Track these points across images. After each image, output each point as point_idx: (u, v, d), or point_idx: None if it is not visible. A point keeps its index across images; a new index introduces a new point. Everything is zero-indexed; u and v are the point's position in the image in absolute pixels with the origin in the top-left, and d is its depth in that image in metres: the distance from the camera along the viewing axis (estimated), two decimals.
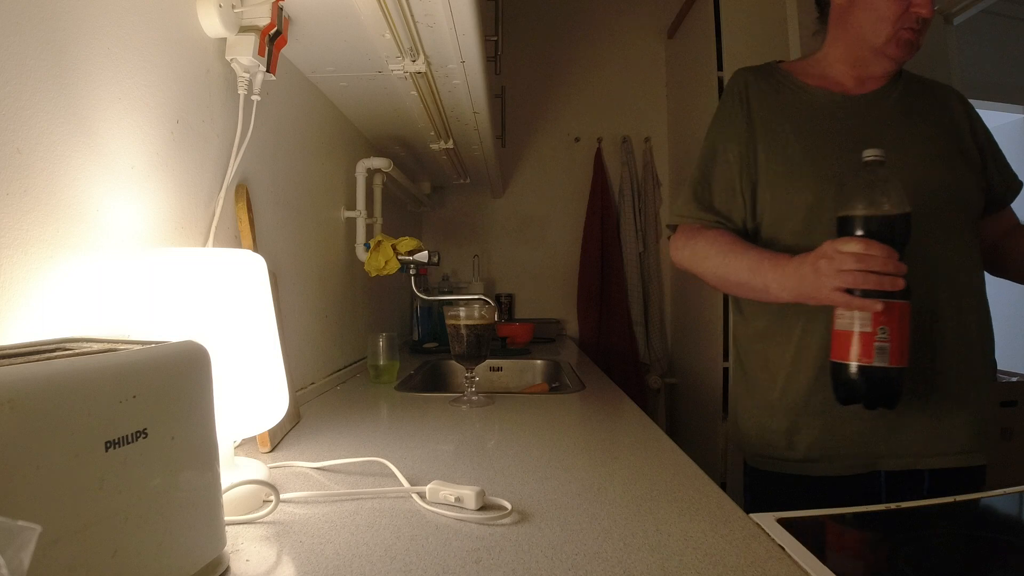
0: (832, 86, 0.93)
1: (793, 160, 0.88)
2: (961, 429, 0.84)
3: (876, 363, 0.69)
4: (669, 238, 1.01)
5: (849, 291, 0.70)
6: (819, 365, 0.84)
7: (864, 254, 0.69)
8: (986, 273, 0.92)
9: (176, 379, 0.39)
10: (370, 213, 1.48)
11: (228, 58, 0.78)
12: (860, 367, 0.70)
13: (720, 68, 1.90)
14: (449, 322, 1.12)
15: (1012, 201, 0.97)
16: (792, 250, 0.81)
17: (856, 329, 0.70)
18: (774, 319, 0.90)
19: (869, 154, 0.73)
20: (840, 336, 0.72)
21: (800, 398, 0.86)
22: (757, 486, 0.93)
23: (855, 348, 0.70)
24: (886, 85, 0.93)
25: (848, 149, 0.86)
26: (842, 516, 0.61)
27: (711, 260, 0.89)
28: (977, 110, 0.98)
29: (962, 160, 0.89)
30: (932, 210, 0.82)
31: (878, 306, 0.68)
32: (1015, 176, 0.97)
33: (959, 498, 0.65)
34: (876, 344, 0.69)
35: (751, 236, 0.93)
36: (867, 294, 0.69)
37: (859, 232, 0.71)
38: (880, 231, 0.70)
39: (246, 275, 0.60)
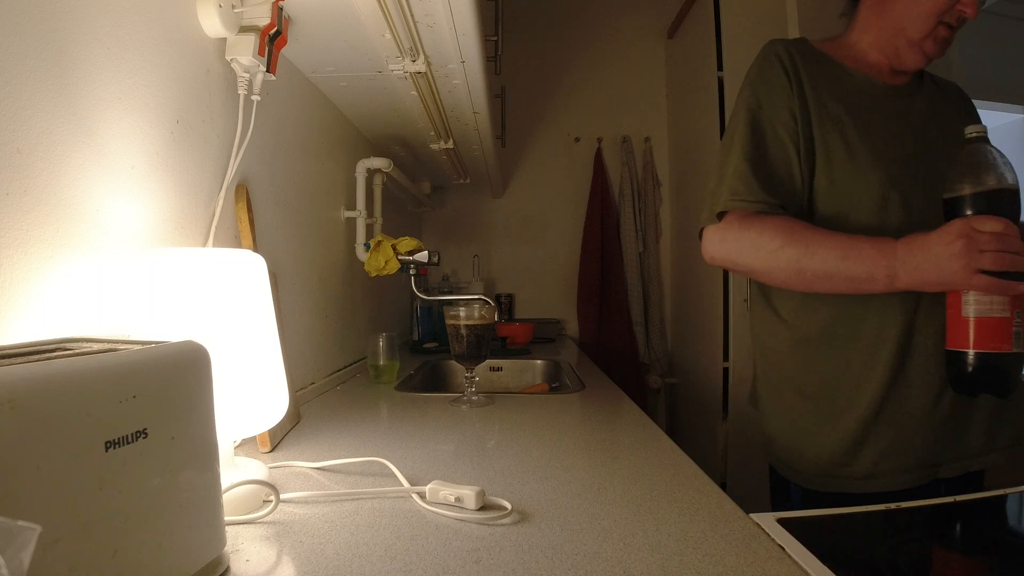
0: (872, 72, 0.88)
1: (852, 143, 0.81)
2: (1009, 422, 0.82)
3: (1015, 349, 0.66)
4: (702, 231, 0.86)
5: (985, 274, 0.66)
6: (894, 368, 0.78)
7: (1004, 233, 0.65)
8: None
9: (176, 379, 0.39)
10: (370, 213, 1.48)
11: (228, 58, 0.78)
12: (997, 355, 0.67)
13: (720, 68, 1.90)
14: (449, 322, 1.12)
15: None
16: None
17: (994, 315, 0.66)
18: (832, 321, 0.82)
19: (973, 130, 0.70)
20: (968, 323, 0.68)
21: (870, 406, 0.79)
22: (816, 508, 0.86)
23: (992, 335, 0.67)
24: (912, 80, 0.90)
25: (898, 138, 0.83)
26: (842, 516, 0.61)
27: (786, 251, 0.76)
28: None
29: None
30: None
31: (1022, 288, 0.65)
32: None
33: (959, 498, 0.65)
34: (1014, 329, 0.66)
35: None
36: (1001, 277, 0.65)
37: (970, 211, 0.68)
38: (1003, 208, 0.67)
39: (246, 275, 0.60)
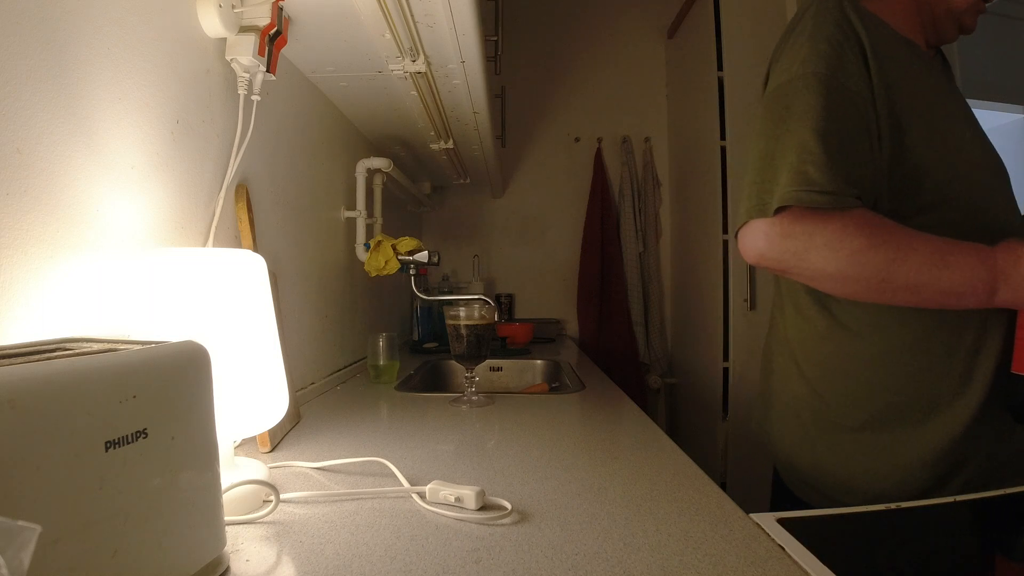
0: (918, 40, 0.79)
1: (935, 120, 0.71)
2: None
3: None
4: (740, 229, 0.70)
5: None
6: (991, 383, 0.69)
7: None
8: None
9: (176, 379, 0.39)
10: (370, 213, 1.48)
11: (228, 58, 0.78)
12: None
13: (720, 68, 1.90)
14: (449, 322, 1.12)
15: None
16: (965, 236, 0.65)
17: None
18: (930, 328, 0.70)
19: None
20: None
21: (967, 425, 0.69)
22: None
23: None
24: (935, 55, 0.84)
25: (964, 117, 0.77)
26: (842, 516, 0.61)
27: (871, 254, 0.62)
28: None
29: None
30: (1005, 183, 0.74)
31: None
32: None
33: (959, 498, 0.65)
34: None
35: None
36: None
37: None
38: None
39: (246, 275, 0.60)
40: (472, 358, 1.12)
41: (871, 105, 0.68)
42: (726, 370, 1.90)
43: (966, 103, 0.83)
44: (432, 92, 1.22)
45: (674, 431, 2.43)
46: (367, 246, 1.40)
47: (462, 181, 2.17)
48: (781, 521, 0.53)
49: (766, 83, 0.78)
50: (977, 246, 0.63)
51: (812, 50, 0.69)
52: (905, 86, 0.71)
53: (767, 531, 0.51)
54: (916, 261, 0.62)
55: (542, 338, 2.18)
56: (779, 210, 0.65)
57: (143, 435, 0.36)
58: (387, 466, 0.69)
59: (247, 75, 0.80)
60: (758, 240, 0.68)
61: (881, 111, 0.68)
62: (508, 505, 0.56)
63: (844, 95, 0.67)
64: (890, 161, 0.68)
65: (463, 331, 1.10)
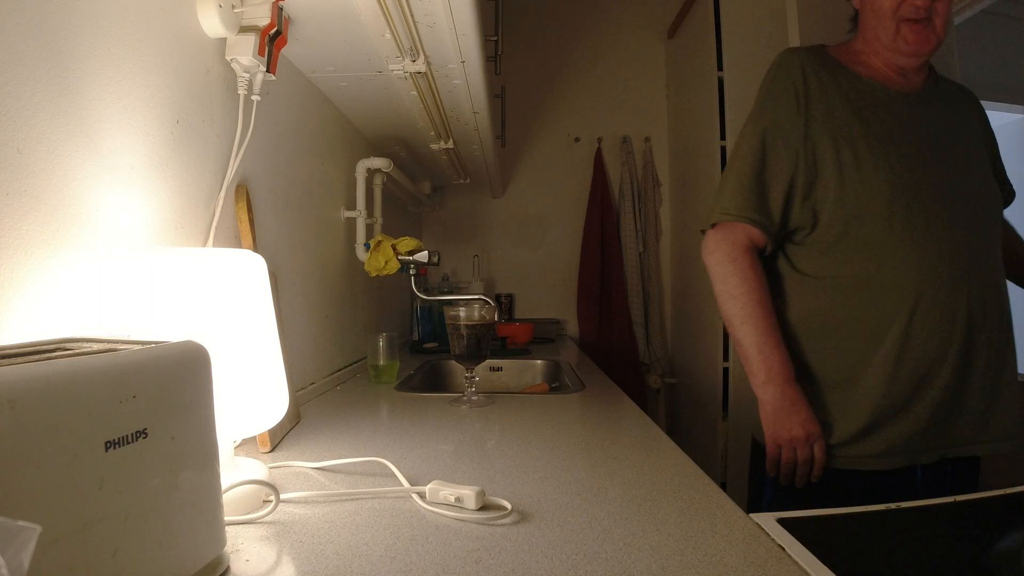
0: (880, 79, 0.90)
1: (859, 151, 0.84)
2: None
3: None
4: (705, 231, 0.94)
5: None
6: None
7: None
8: None
9: (176, 379, 0.39)
10: (370, 213, 1.48)
11: (228, 58, 0.78)
12: None
13: (720, 68, 1.90)
14: (449, 322, 1.12)
15: (1006, 208, 0.98)
16: (866, 248, 0.82)
17: None
18: None
19: None
20: None
21: None
22: None
23: None
24: (925, 84, 0.91)
25: (911, 145, 0.85)
26: (842, 516, 0.61)
27: (731, 304, 0.87)
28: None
29: (989, 164, 0.91)
30: (978, 211, 0.83)
31: None
32: (1008, 182, 0.98)
33: (959, 498, 0.65)
34: None
35: (796, 235, 0.89)
36: None
37: None
38: None
39: (246, 275, 0.60)
40: (472, 358, 1.12)
41: (799, 151, 0.86)
42: (726, 370, 1.90)
43: (960, 127, 0.90)
44: (432, 92, 1.22)
45: (674, 431, 2.43)
46: (367, 246, 1.39)
47: (462, 181, 2.17)
48: (781, 521, 0.53)
49: None
50: (784, 359, 0.84)
51: (759, 105, 0.92)
52: (846, 123, 0.85)
53: (767, 531, 0.51)
54: (749, 332, 0.85)
55: (542, 338, 2.18)
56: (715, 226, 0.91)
57: (143, 435, 0.36)
58: (387, 466, 0.69)
59: (247, 75, 0.80)
60: (703, 247, 0.93)
61: (807, 151, 0.86)
62: (508, 505, 0.56)
63: (771, 148, 0.87)
64: (806, 192, 0.86)
65: (463, 331, 1.10)
